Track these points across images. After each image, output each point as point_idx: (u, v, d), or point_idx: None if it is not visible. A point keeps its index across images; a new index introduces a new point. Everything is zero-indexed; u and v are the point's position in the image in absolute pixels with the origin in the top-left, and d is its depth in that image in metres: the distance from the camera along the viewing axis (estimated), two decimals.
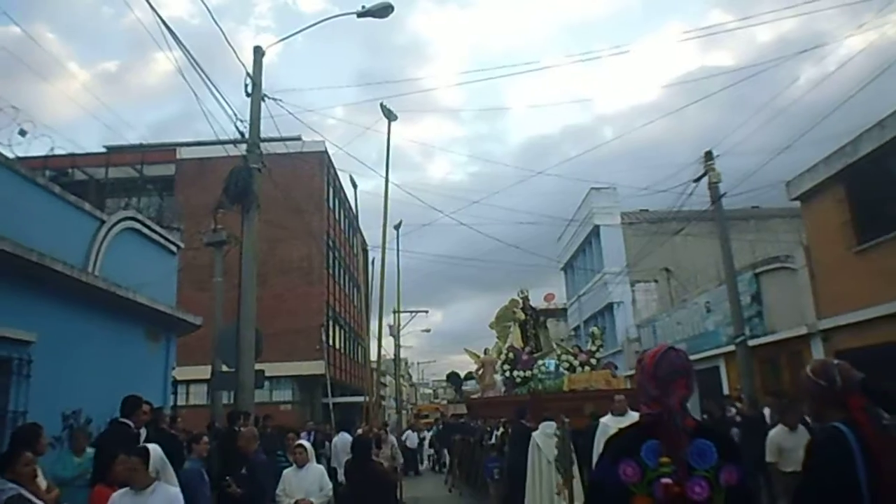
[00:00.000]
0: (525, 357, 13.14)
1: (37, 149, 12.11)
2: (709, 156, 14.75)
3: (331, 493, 6.68)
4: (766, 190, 14.99)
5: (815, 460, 2.19)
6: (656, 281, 26.74)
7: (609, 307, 28.28)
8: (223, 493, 6.30)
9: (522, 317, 14.57)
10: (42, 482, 4.48)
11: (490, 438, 12.49)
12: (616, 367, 14.23)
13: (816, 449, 2.26)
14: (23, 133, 8.25)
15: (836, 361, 2.34)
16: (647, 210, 27.58)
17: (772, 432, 7.32)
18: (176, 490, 4.25)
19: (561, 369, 13.31)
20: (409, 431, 26.77)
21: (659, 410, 2.13)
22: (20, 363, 7.55)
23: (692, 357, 16.88)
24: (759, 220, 27.08)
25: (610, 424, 7.76)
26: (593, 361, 13.33)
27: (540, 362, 13.28)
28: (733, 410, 11.41)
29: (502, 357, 13.61)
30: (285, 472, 6.73)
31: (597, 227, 29.33)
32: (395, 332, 33.22)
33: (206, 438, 6.78)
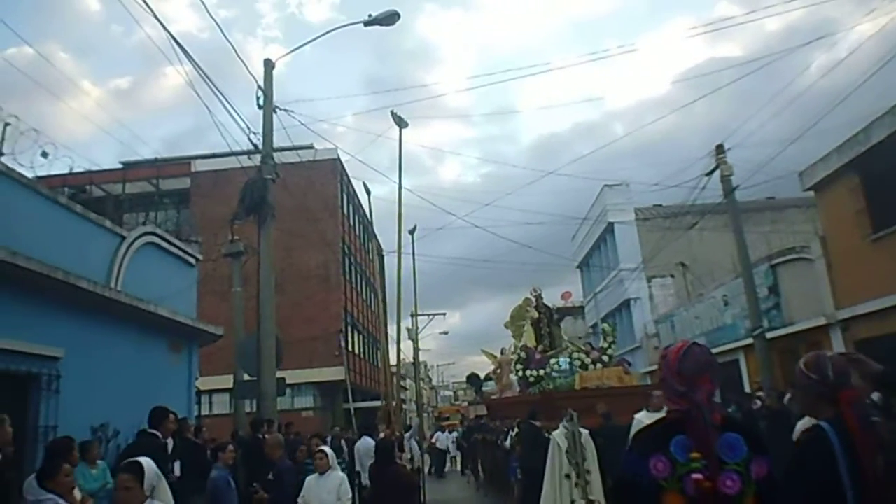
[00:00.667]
0: (538, 356, 13.10)
1: (55, 167, 12.39)
2: (720, 149, 14.72)
3: (349, 501, 6.60)
4: (779, 181, 14.93)
5: (798, 462, 2.17)
6: (672, 276, 26.66)
7: (626, 303, 28.24)
8: (251, 499, 6.45)
9: (536, 315, 14.51)
10: (77, 493, 4.63)
11: (506, 439, 12.47)
12: (629, 364, 14.13)
13: (799, 450, 2.26)
14: (45, 155, 8.50)
15: (830, 354, 2.30)
16: (660, 205, 27.51)
17: (799, 423, 7.32)
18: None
19: (574, 367, 13.21)
20: (440, 433, 26.83)
21: (686, 406, 2.12)
22: (49, 378, 7.75)
23: (712, 351, 17.04)
24: (775, 210, 26.92)
25: (645, 421, 7.48)
26: (605, 358, 13.22)
27: (553, 361, 13.18)
28: (759, 403, 11.29)
29: (514, 357, 13.61)
30: (307, 479, 6.75)
31: (611, 224, 29.31)
32: (415, 336, 33.37)
33: (231, 447, 6.93)
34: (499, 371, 15.29)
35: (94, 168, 22.99)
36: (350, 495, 6.79)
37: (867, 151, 12.03)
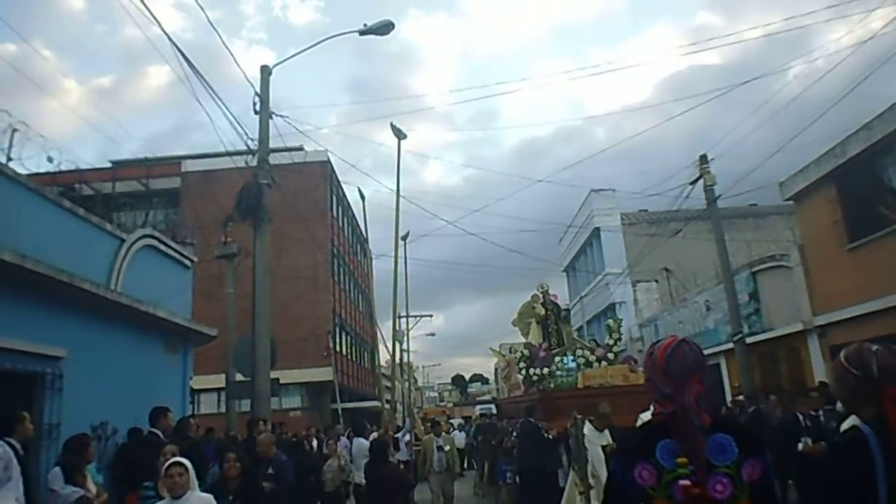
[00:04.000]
0: (542, 354, 12.37)
1: (45, 165, 12.50)
2: (703, 159, 15.16)
3: None
4: (760, 191, 15.38)
5: (832, 467, 1.97)
6: (657, 281, 27.15)
7: (611, 307, 28.70)
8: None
9: (543, 312, 13.76)
10: (92, 487, 4.89)
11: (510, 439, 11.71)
12: (636, 362, 13.08)
13: (834, 454, 2.05)
14: (50, 160, 8.71)
15: (875, 348, 2.05)
16: (646, 211, 28.01)
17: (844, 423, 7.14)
18: (209, 497, 4.46)
19: (579, 365, 12.54)
20: (458, 432, 26.85)
21: (672, 408, 2.00)
22: (52, 377, 7.96)
23: (702, 349, 17.31)
24: (757, 217, 27.54)
25: None
26: (610, 356, 12.51)
27: (558, 359, 12.47)
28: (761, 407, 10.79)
29: (518, 355, 12.92)
30: None
31: (597, 229, 29.76)
32: (406, 337, 33.62)
33: (233, 454, 7.19)
34: (507, 370, 14.63)
35: (83, 167, 23.07)
36: None
37: (843, 164, 12.51)
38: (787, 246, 16.98)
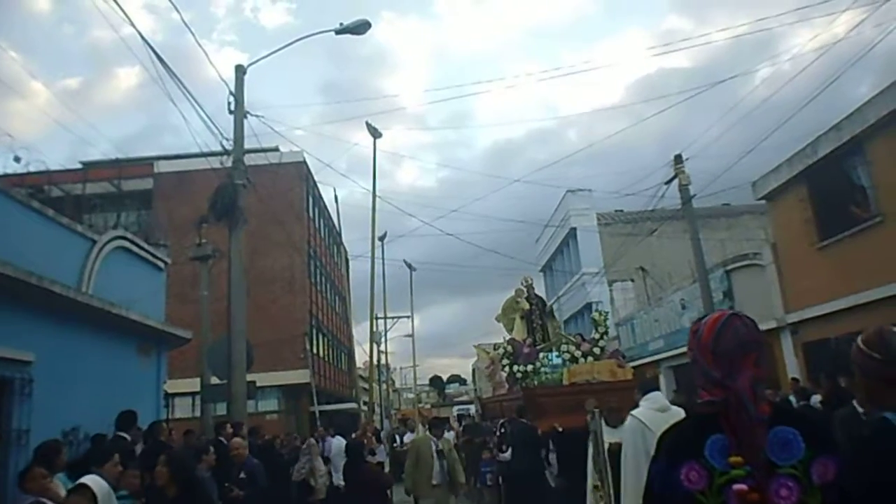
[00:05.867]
0: (526, 350, 11.85)
1: (10, 166, 12.25)
2: (678, 159, 15.32)
3: None
4: (731, 191, 15.59)
5: (856, 462, 1.68)
6: (633, 280, 27.39)
7: (588, 307, 28.88)
8: (226, 498, 6.64)
9: (527, 306, 13.22)
10: (62, 492, 4.77)
11: (492, 439, 11.23)
12: (623, 357, 12.52)
13: (859, 447, 1.84)
14: (17, 160, 8.50)
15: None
16: (622, 211, 28.28)
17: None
18: None
19: (565, 361, 11.94)
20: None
21: (723, 396, 1.68)
22: (21, 382, 7.76)
23: (669, 354, 16.92)
24: (730, 217, 27.95)
25: (644, 419, 5.74)
26: (597, 350, 11.92)
27: (543, 355, 11.99)
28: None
29: (501, 351, 12.38)
30: None
31: (573, 230, 29.96)
32: (384, 339, 33.48)
33: (212, 450, 7.11)
34: (491, 368, 13.89)
35: (52, 168, 22.66)
36: None
37: (814, 164, 12.73)
38: (759, 245, 17.25)
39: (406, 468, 8.33)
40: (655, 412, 5.22)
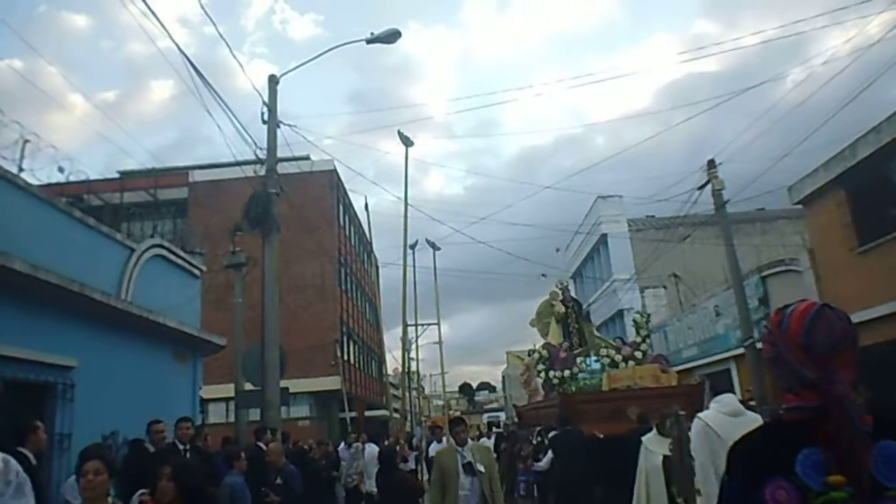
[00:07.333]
0: (563, 355, 11.40)
1: (55, 176, 12.56)
2: (711, 164, 15.13)
3: None
4: (766, 196, 15.35)
5: None
6: (665, 287, 27.05)
7: (619, 314, 28.60)
8: (262, 502, 6.72)
9: (562, 310, 12.72)
10: (110, 500, 4.88)
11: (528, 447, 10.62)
12: (667, 361, 11.81)
13: None
14: (61, 170, 8.76)
15: None
16: (653, 216, 27.97)
17: None
18: None
19: (603, 366, 11.48)
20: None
21: (817, 402, 1.44)
22: (64, 387, 7.98)
23: (703, 361, 16.57)
24: (765, 222, 27.46)
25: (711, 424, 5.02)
26: (638, 355, 11.35)
27: (580, 360, 11.50)
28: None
29: (536, 356, 11.96)
30: None
31: (604, 236, 29.71)
32: (415, 346, 33.52)
33: (243, 455, 7.20)
34: (526, 375, 13.36)
35: (91, 178, 23.22)
36: None
37: (853, 167, 12.45)
38: (795, 250, 16.90)
39: (429, 495, 6.40)
40: (726, 417, 4.70)
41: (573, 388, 10.79)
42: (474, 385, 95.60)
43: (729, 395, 5.03)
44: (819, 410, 1.43)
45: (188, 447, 7.44)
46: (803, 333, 1.47)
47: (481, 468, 5.71)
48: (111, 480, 3.29)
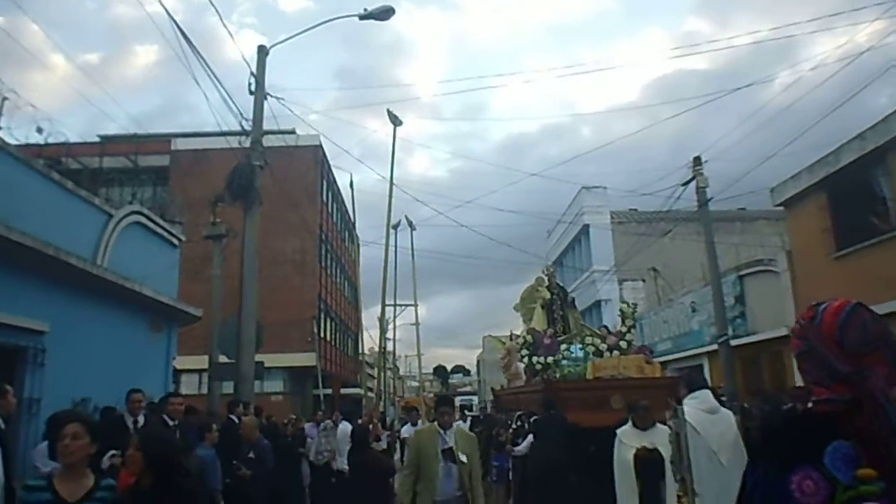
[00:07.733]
0: (547, 341, 11.20)
1: (33, 137, 12.21)
2: (697, 161, 15.20)
3: None
4: (747, 196, 15.47)
5: None
6: (644, 280, 27.27)
7: (597, 304, 28.80)
8: (234, 475, 6.70)
9: (548, 296, 12.45)
10: None
11: (506, 432, 10.46)
12: (651, 352, 11.67)
13: None
14: (40, 130, 8.55)
15: None
16: (636, 210, 28.12)
17: None
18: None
19: (588, 355, 11.16)
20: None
21: (849, 395, 1.44)
22: (35, 352, 7.86)
23: (677, 356, 16.71)
24: (745, 221, 27.73)
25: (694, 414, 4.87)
26: (623, 345, 11.16)
27: (564, 347, 11.32)
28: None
29: (519, 341, 11.79)
30: None
31: (586, 226, 29.83)
32: (392, 325, 33.55)
33: (215, 427, 7.15)
34: (507, 359, 13.13)
35: (71, 140, 22.76)
36: None
37: (836, 173, 12.59)
38: (774, 251, 17.11)
39: (401, 478, 5.75)
40: (704, 413, 4.67)
41: (556, 375, 10.63)
42: (449, 368, 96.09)
43: (705, 392, 4.98)
44: (851, 404, 1.44)
45: (137, 420, 7.22)
46: (838, 329, 1.48)
47: (464, 458, 5.24)
48: (94, 445, 3.13)
